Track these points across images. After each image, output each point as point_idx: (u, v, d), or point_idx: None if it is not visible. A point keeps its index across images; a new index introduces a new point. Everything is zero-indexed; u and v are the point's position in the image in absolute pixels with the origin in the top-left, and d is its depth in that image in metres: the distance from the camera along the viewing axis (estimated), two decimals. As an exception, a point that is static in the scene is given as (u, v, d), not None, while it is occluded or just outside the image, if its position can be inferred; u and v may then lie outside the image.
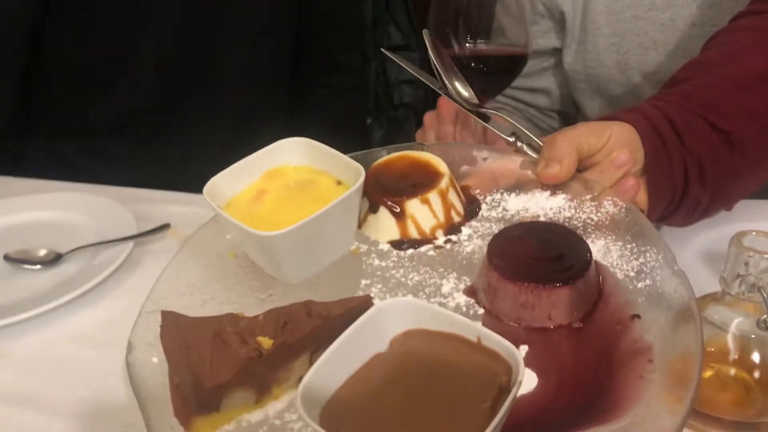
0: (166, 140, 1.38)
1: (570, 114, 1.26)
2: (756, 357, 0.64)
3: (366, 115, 1.72)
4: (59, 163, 1.38)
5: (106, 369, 0.76)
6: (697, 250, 0.87)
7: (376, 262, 0.69)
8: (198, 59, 1.36)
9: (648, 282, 0.62)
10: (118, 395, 0.73)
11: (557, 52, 1.20)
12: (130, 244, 0.95)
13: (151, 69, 1.34)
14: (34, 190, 1.12)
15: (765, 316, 0.61)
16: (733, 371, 0.64)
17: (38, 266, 0.94)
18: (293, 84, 1.52)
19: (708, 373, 0.65)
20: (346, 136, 1.54)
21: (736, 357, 0.65)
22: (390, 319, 0.54)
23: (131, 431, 0.66)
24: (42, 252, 0.95)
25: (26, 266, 0.94)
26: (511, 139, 0.76)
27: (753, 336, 0.63)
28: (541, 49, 1.20)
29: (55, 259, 0.94)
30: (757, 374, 0.64)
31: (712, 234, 0.88)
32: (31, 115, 1.38)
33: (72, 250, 0.95)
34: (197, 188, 1.07)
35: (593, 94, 1.15)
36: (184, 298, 0.67)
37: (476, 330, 0.51)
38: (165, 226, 1.00)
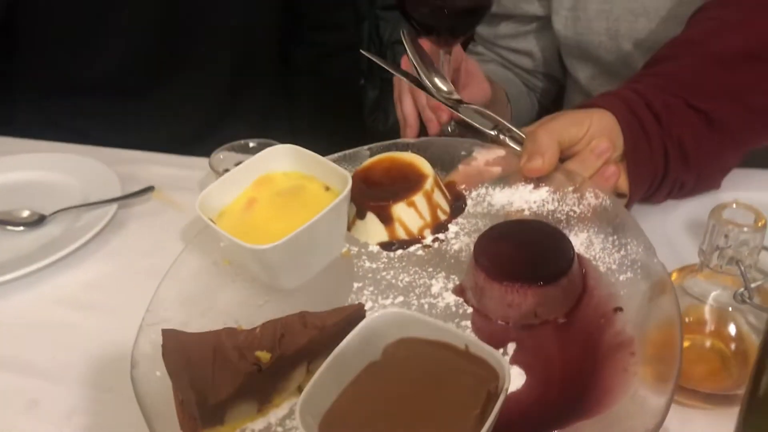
0: (156, 99, 1.34)
1: (557, 78, 1.27)
2: (732, 329, 0.65)
3: (359, 76, 1.70)
4: (48, 123, 1.33)
5: (88, 331, 0.78)
6: (680, 220, 0.87)
7: (367, 264, 0.71)
8: (187, 15, 1.30)
9: (629, 274, 0.64)
10: (99, 358, 0.74)
11: (541, 18, 1.20)
12: (114, 206, 0.94)
13: (138, 24, 1.28)
14: (20, 150, 1.11)
15: (742, 289, 0.61)
16: (709, 343, 0.66)
17: (21, 227, 0.93)
18: (286, 43, 1.48)
19: (685, 344, 0.64)
20: (338, 96, 1.53)
21: (713, 328, 0.66)
22: (382, 329, 0.56)
23: (111, 395, 0.68)
24: (25, 213, 0.94)
25: (9, 227, 0.93)
26: (493, 133, 0.78)
27: (730, 308, 0.65)
28: (523, 14, 1.20)
29: (38, 221, 0.94)
30: (733, 346, 0.66)
31: (694, 203, 0.88)
32: (17, 73, 1.33)
33: (55, 212, 0.95)
34: (186, 149, 1.10)
35: (584, 61, 1.15)
36: (184, 309, 0.69)
37: (463, 338, 0.54)
38: (149, 189, 0.99)
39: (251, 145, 0.94)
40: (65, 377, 0.74)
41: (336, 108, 1.54)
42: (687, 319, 0.66)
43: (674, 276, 0.66)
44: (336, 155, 0.78)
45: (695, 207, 0.88)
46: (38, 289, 0.86)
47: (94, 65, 1.31)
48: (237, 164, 0.88)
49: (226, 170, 0.88)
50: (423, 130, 0.98)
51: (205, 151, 0.97)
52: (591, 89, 1.14)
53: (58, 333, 0.79)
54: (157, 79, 1.33)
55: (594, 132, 0.75)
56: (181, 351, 0.58)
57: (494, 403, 0.50)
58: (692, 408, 0.64)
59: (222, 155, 0.93)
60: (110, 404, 0.69)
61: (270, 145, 0.88)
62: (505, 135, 0.77)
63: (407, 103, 0.97)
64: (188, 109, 1.37)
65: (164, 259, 0.83)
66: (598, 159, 0.75)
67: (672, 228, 0.86)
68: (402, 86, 0.98)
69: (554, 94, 1.30)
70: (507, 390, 0.49)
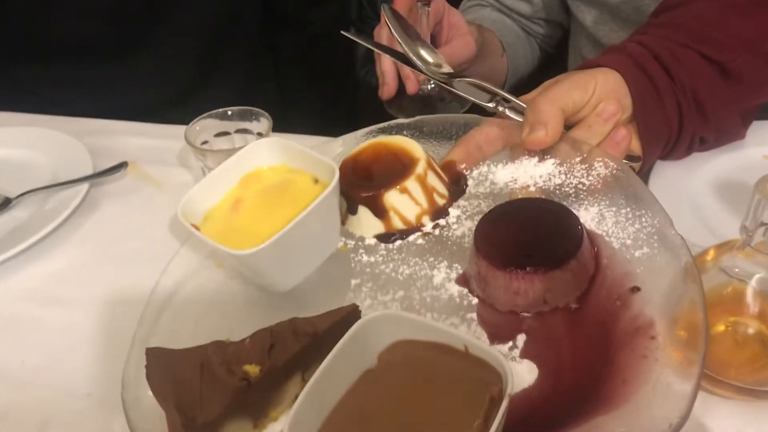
0: (132, 63, 1.24)
1: (560, 22, 1.20)
2: (778, 314, 0.58)
3: (349, 25, 1.58)
4: (15, 89, 1.24)
5: (60, 330, 0.70)
6: (708, 180, 0.79)
7: (365, 258, 0.66)
8: None
9: (646, 250, 0.59)
10: (74, 361, 0.67)
11: None
12: (86, 185, 0.87)
13: None
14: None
15: None
16: (750, 327, 0.60)
17: (-17, 213, 0.83)
18: None
19: (720, 328, 0.60)
20: (326, 48, 1.41)
21: (756, 312, 0.59)
22: (375, 333, 0.52)
23: (88, 403, 0.61)
24: (-13, 196, 0.85)
25: (-31, 213, 0.83)
26: (491, 105, 0.72)
27: (776, 292, 0.58)
28: None
29: (3, 204, 0.86)
30: None
31: (721, 160, 0.81)
32: None
33: (21, 194, 0.86)
34: (165, 118, 1.00)
35: (589, 4, 1.08)
36: (176, 319, 0.66)
37: (462, 339, 0.49)
38: (123, 164, 0.91)
39: (230, 113, 0.85)
40: (36, 384, 0.66)
41: (325, 64, 1.42)
42: (723, 300, 0.59)
43: (711, 254, 0.60)
44: (326, 139, 0.73)
45: (722, 165, 0.80)
46: (2, 283, 0.77)
47: (66, 27, 1.19)
48: (217, 135, 0.84)
49: (204, 143, 0.83)
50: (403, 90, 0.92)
51: (184, 118, 0.87)
52: (597, 34, 1.06)
53: (26, 333, 0.71)
54: (134, 41, 1.22)
55: (600, 94, 0.70)
56: (166, 369, 0.55)
57: (497, 408, 0.46)
58: (724, 399, 0.58)
59: (198, 126, 0.84)
60: (88, 413, 0.62)
61: (251, 113, 0.84)
62: (503, 106, 0.72)
63: (385, 60, 0.91)
64: (167, 73, 1.26)
65: (142, 243, 0.79)
66: (606, 123, 0.69)
67: (698, 191, 0.77)
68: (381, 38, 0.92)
69: (558, 39, 1.22)
70: (510, 395, 0.45)
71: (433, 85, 0.90)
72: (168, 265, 0.69)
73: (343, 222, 0.68)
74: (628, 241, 0.60)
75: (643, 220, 0.61)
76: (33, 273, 0.79)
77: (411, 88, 0.90)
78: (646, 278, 0.57)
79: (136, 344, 0.63)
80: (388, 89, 0.91)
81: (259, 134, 0.83)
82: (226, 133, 0.85)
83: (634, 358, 0.53)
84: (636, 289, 0.57)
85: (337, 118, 1.41)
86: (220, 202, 0.68)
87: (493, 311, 0.59)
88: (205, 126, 0.84)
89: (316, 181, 0.67)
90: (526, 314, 0.58)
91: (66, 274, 0.78)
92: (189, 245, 0.72)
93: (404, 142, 0.69)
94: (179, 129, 0.85)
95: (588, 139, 0.68)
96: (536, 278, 0.57)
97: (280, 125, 0.85)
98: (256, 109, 0.85)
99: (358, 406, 0.50)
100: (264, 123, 0.84)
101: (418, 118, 0.74)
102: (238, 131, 0.85)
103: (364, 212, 0.66)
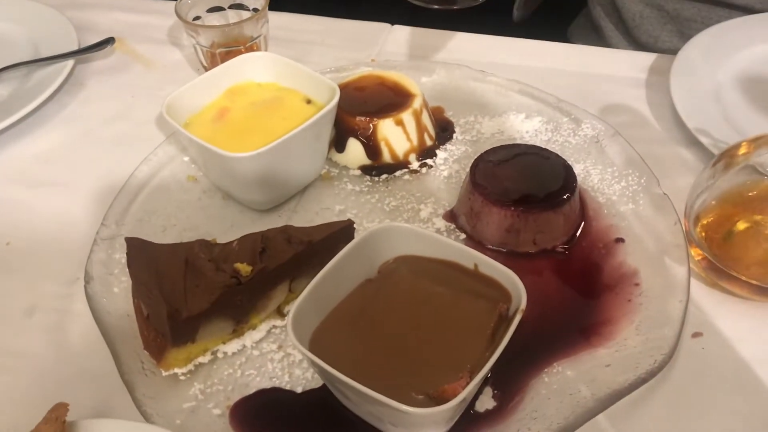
0: None
1: None
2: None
3: None
4: None
5: (45, 213, 0.65)
6: (733, 73, 0.75)
7: (350, 186, 0.65)
8: None
9: (631, 206, 0.61)
10: (59, 244, 0.62)
11: None
12: (71, 61, 0.80)
13: None
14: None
15: None
16: None
17: (-39, 89, 0.75)
18: None
19: (743, 227, 0.57)
20: None
21: None
22: (380, 244, 0.51)
23: (75, 289, 0.57)
24: (-35, 71, 0.77)
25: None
26: None
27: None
28: None
29: None
30: None
31: (745, 54, 0.76)
32: None
33: (2, 69, 0.79)
34: None
35: None
36: (142, 225, 0.62)
37: (473, 256, 0.49)
38: (110, 40, 0.84)
39: None
40: (22, 269, 0.61)
41: None
42: (750, 194, 0.55)
43: (743, 148, 0.56)
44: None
45: (748, 58, 0.76)
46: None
47: None
48: (210, 10, 0.77)
49: (196, 18, 0.76)
50: None
51: None
52: None
53: (10, 216, 0.66)
54: None
55: None
56: (148, 262, 0.51)
57: (507, 324, 0.46)
58: (740, 300, 0.56)
59: (190, 0, 0.76)
60: (75, 298, 0.57)
61: None
62: None
63: None
64: None
65: (130, 125, 0.74)
66: None
67: (722, 86, 0.73)
68: None
69: None
70: (523, 311, 0.45)
71: None
72: (135, 170, 0.66)
73: (328, 153, 0.67)
74: (614, 197, 0.62)
75: (630, 178, 0.63)
76: (18, 153, 0.73)
77: None
78: (629, 231, 0.59)
79: (98, 242, 0.60)
80: None
81: (255, 9, 0.76)
82: (219, 9, 0.78)
83: (618, 301, 0.55)
84: (620, 240, 0.59)
85: None
86: (204, 110, 0.65)
87: (480, 247, 0.59)
88: (198, 0, 0.77)
89: (309, 101, 0.65)
90: (513, 253, 0.59)
91: (53, 156, 0.72)
92: (167, 147, 0.68)
93: (401, 78, 0.68)
94: (169, 4, 0.79)
95: None
96: (530, 217, 0.57)
97: (276, 2, 0.79)
98: None
99: (358, 309, 0.48)
100: None
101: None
102: (232, 6, 0.78)
103: (352, 142, 0.65)
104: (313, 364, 0.44)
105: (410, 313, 0.47)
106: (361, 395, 0.42)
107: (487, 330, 0.46)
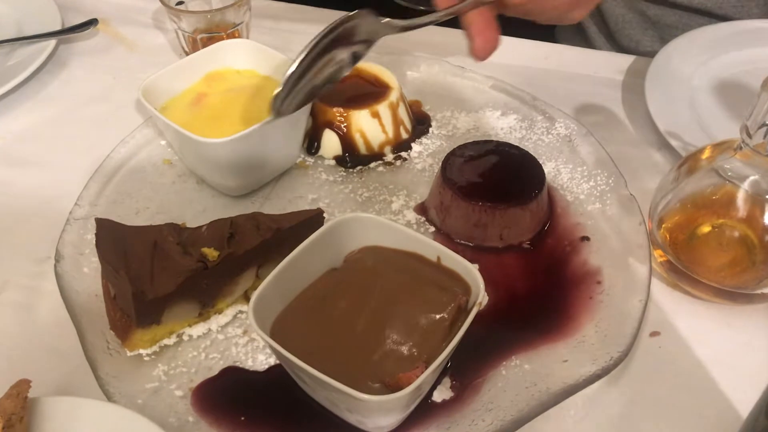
0: None
1: None
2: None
3: None
4: None
5: (23, 192, 0.66)
6: (708, 78, 0.76)
7: (324, 176, 0.66)
8: None
9: (598, 205, 0.62)
10: (36, 223, 0.63)
11: None
12: (53, 41, 0.80)
13: None
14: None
15: None
16: (736, 231, 0.56)
17: (-59, 66, 0.75)
18: None
19: (706, 229, 0.58)
20: None
21: (744, 216, 0.55)
22: (346, 234, 0.52)
23: (47, 266, 0.57)
24: (-54, 47, 0.76)
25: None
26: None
27: (768, 197, 0.54)
28: None
29: None
30: (767, 239, 0.55)
31: (723, 60, 0.77)
32: None
33: None
34: None
35: None
36: (116, 206, 0.63)
37: (436, 249, 0.50)
38: (93, 22, 0.84)
39: None
40: None
41: None
42: (712, 203, 0.56)
43: (707, 152, 0.57)
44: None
45: (722, 64, 0.77)
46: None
47: None
48: None
49: (180, 3, 0.76)
50: None
51: None
52: None
53: None
54: None
55: None
56: (116, 242, 0.52)
57: (464, 316, 0.47)
58: (700, 302, 0.57)
59: None
60: (45, 276, 0.57)
61: None
62: None
63: None
64: None
65: (111, 107, 0.74)
66: None
67: (696, 87, 0.74)
68: None
69: None
70: (481, 304, 0.46)
71: None
72: (110, 153, 0.66)
73: (304, 141, 0.67)
74: (582, 196, 0.63)
75: (599, 178, 0.64)
76: None
77: None
78: (595, 230, 0.60)
79: (70, 221, 0.60)
80: None
81: None
82: None
83: (580, 298, 0.56)
84: (586, 239, 0.60)
85: None
86: (181, 94, 0.66)
87: (448, 241, 0.60)
88: None
89: (287, 90, 0.65)
90: (480, 247, 0.60)
91: (31, 134, 0.73)
92: (145, 130, 0.69)
93: (379, 70, 0.69)
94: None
95: None
96: (497, 213, 0.58)
97: None
98: None
99: (320, 297, 0.49)
100: None
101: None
102: None
103: (327, 133, 0.66)
104: (272, 349, 0.45)
105: (371, 302, 0.48)
106: (318, 381, 0.43)
107: (446, 322, 0.47)
